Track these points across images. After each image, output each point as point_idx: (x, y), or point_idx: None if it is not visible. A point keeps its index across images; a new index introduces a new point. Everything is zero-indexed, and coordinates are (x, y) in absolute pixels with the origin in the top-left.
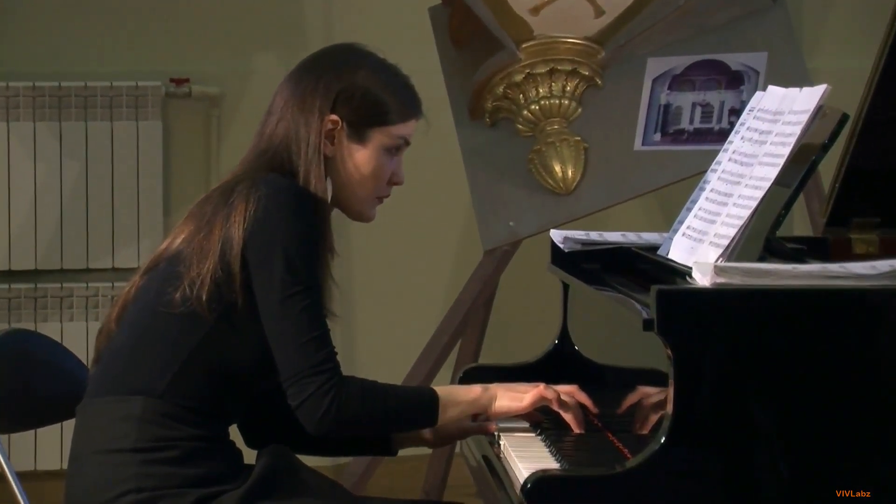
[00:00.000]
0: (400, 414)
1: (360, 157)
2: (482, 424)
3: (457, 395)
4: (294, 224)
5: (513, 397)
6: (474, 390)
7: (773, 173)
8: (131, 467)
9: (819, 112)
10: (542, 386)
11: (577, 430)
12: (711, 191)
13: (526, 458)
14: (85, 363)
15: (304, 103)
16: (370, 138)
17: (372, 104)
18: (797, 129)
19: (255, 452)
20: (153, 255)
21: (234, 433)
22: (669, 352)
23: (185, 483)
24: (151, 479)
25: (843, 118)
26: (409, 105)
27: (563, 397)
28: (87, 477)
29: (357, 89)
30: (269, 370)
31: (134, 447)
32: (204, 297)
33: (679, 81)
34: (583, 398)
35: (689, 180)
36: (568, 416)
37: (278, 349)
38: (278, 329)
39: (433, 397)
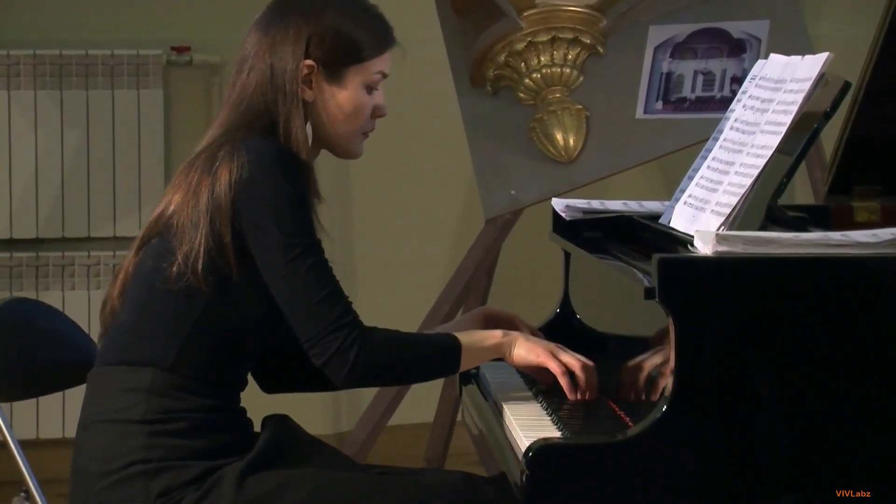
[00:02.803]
0: (424, 363)
1: (341, 98)
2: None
3: (478, 342)
4: (281, 187)
5: (530, 349)
6: (495, 336)
7: (774, 141)
8: (139, 438)
9: (821, 80)
10: (554, 354)
11: (567, 391)
12: (713, 159)
13: (528, 426)
14: (87, 332)
15: (276, 51)
16: (347, 78)
17: (344, 44)
18: (799, 98)
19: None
20: (147, 226)
21: (245, 401)
22: (671, 320)
23: (192, 455)
24: (158, 450)
25: (846, 86)
26: (382, 37)
27: (567, 358)
28: (94, 445)
29: (327, 31)
30: (272, 330)
31: (142, 418)
32: (199, 271)
33: (681, 49)
34: (587, 379)
35: (690, 149)
36: (564, 381)
37: (293, 313)
38: (289, 294)
39: (456, 346)
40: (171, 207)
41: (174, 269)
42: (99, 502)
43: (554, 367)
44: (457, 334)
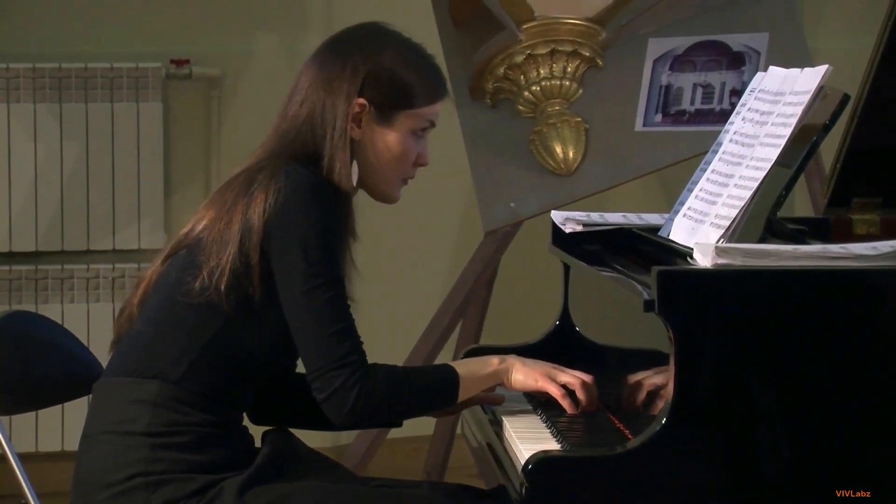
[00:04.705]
0: (423, 399)
1: (388, 140)
2: (489, 395)
3: (475, 371)
4: (313, 216)
5: (527, 374)
6: (491, 363)
7: (774, 154)
8: (142, 451)
9: (820, 93)
10: (552, 377)
11: (569, 411)
12: (712, 171)
13: (527, 438)
14: (86, 344)
15: (331, 86)
16: (397, 121)
17: (399, 87)
18: (798, 110)
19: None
20: (175, 240)
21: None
22: (670, 333)
23: (194, 469)
24: (160, 463)
25: (845, 99)
26: (436, 87)
27: (565, 379)
28: (97, 456)
29: (384, 72)
30: (284, 357)
31: (146, 431)
32: (222, 288)
33: (680, 62)
34: (588, 397)
35: (689, 161)
36: (565, 403)
37: (302, 343)
38: (302, 323)
39: (454, 377)
40: (203, 223)
41: (197, 283)
42: None
43: (554, 391)
44: (453, 364)
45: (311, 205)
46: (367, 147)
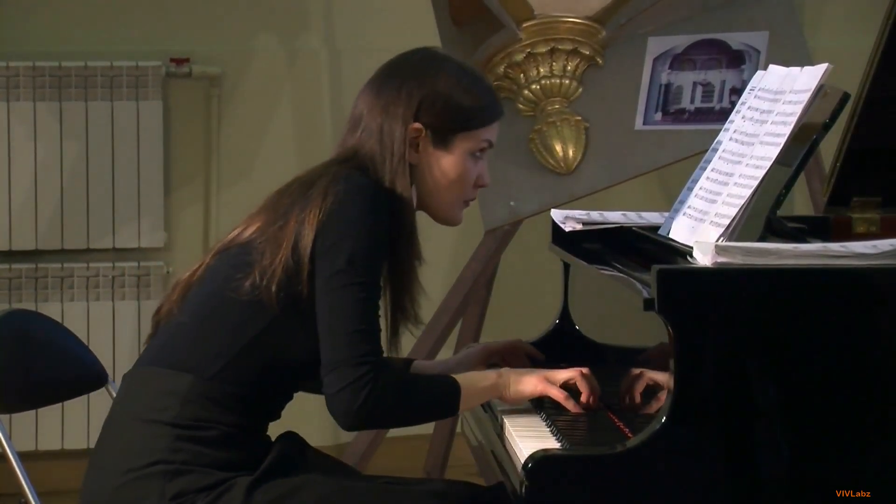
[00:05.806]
0: (426, 409)
1: (446, 163)
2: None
3: (475, 384)
4: (365, 220)
5: (525, 383)
6: (489, 377)
7: (773, 153)
8: (165, 440)
9: (820, 91)
10: (550, 380)
11: (573, 411)
12: (712, 170)
13: (527, 437)
14: (86, 343)
15: (388, 112)
16: (455, 144)
17: (455, 110)
18: (798, 109)
19: None
20: (224, 241)
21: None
22: (670, 331)
23: (213, 464)
24: (181, 453)
25: (845, 97)
26: (491, 108)
27: (564, 376)
28: (120, 441)
29: (439, 96)
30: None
31: (172, 422)
32: (273, 288)
33: (680, 61)
34: (590, 387)
35: (689, 160)
36: (569, 404)
37: (325, 335)
38: (329, 317)
39: (456, 389)
40: (256, 225)
41: (248, 281)
42: (113, 496)
43: (556, 395)
44: (457, 377)
45: (366, 208)
46: (426, 171)
